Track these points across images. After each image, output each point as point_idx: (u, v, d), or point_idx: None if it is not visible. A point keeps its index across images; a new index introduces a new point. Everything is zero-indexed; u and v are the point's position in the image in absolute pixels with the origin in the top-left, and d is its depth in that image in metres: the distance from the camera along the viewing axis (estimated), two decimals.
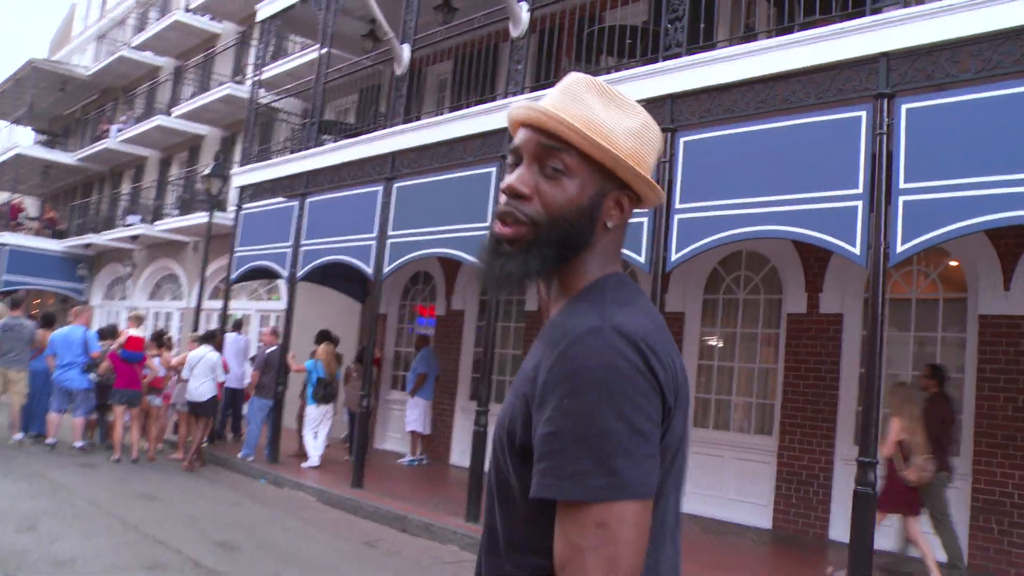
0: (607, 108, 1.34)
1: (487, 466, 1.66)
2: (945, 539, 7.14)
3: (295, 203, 12.04)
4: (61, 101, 31.24)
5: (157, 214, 23.33)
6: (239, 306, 19.46)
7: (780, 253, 9.94)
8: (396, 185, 10.39)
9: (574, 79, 1.37)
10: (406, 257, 10.06)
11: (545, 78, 10.63)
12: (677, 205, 7.37)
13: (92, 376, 11.45)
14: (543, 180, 1.32)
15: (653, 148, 1.38)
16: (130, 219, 23.79)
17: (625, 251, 7.08)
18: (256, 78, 13.79)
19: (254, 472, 11.12)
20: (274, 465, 11.41)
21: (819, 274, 9.68)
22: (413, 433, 12.75)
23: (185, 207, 21.91)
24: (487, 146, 9.37)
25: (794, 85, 6.87)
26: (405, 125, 10.40)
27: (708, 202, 7.19)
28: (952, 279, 9.01)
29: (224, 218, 18.04)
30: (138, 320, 11.74)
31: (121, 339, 11.88)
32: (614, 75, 8.23)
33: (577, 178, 1.31)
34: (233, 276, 13.33)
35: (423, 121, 10.19)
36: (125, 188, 26.82)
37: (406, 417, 12.76)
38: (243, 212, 13.43)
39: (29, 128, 33.02)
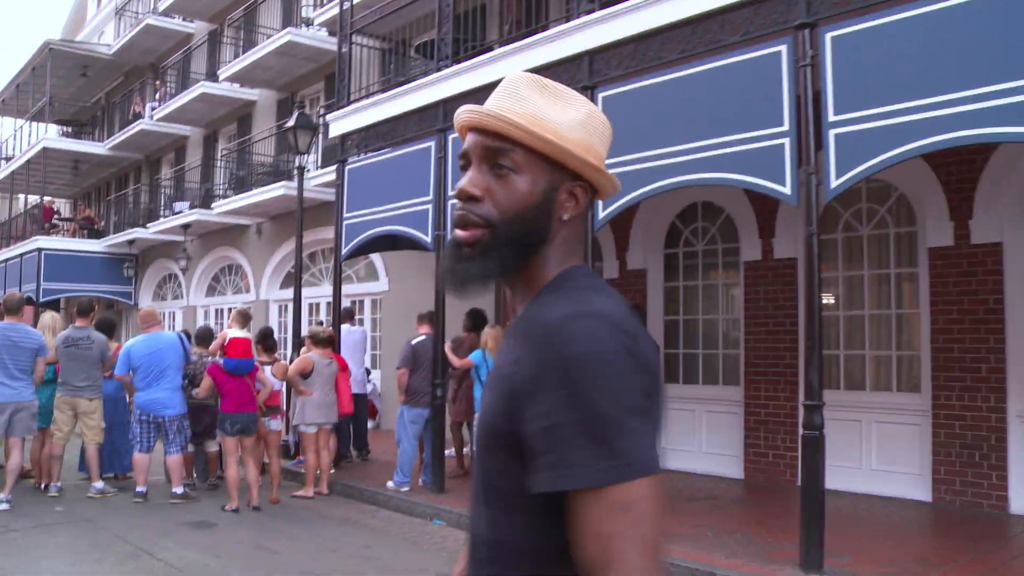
0: (549, 102, 1.35)
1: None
2: None
3: (431, 143, 8.99)
4: (84, 89, 28.30)
5: (206, 199, 20.35)
6: (318, 293, 16.51)
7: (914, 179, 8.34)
8: (601, 95, 7.33)
9: (514, 77, 1.38)
10: (631, 196, 7.02)
11: None
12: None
13: (194, 395, 8.56)
14: (493, 180, 1.32)
15: (602, 137, 1.39)
16: (178, 206, 20.85)
17: None
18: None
19: (420, 509, 8.17)
20: (441, 496, 8.46)
21: (967, 199, 7.96)
22: None
23: (240, 185, 18.91)
24: (763, 15, 6.34)
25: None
26: (609, 9, 7.31)
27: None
28: None
29: (294, 189, 15.08)
30: (244, 318, 8.73)
31: (218, 341, 8.96)
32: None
33: (527, 174, 1.32)
34: (345, 250, 10.29)
35: None
36: (166, 174, 23.89)
37: None
38: (348, 167, 10.37)
39: (51, 125, 30.02)
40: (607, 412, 1.14)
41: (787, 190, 6.11)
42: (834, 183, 5.86)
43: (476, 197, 1.31)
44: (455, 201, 1.35)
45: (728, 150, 6.44)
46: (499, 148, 1.31)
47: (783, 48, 6.19)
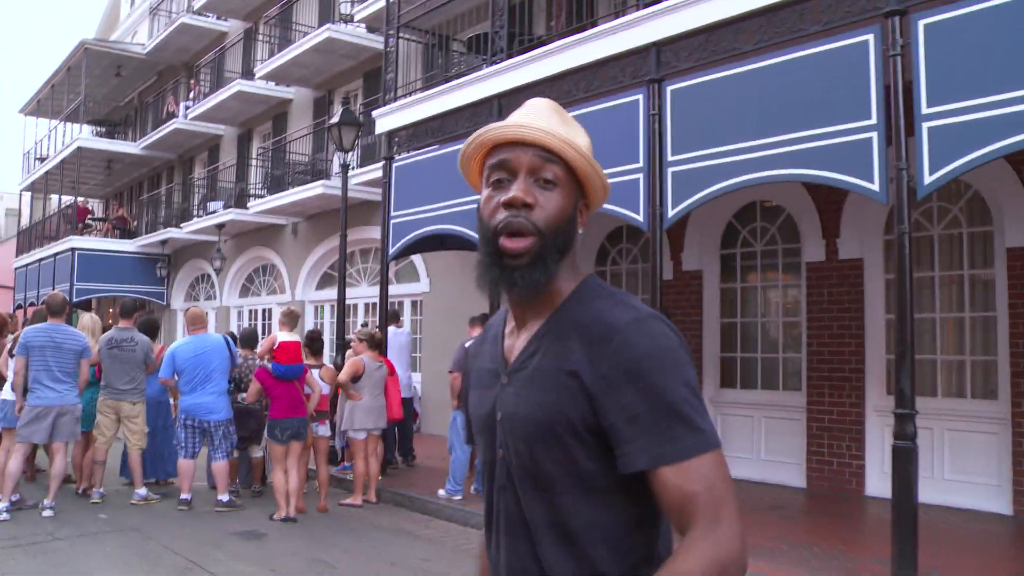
0: (569, 128, 1.49)
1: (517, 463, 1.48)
2: None
3: None
4: (117, 89, 28.30)
5: (241, 199, 20.17)
6: (356, 294, 16.26)
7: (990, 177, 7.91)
8: (670, 88, 7.00)
9: (540, 104, 1.53)
10: (704, 192, 6.69)
11: None
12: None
13: (240, 400, 8.32)
14: (538, 191, 1.44)
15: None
16: (212, 206, 20.69)
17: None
18: None
19: (475, 519, 7.86)
20: None
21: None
22: None
23: (276, 185, 18.71)
24: (847, 3, 6.00)
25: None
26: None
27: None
28: None
29: (333, 187, 14.88)
30: (293, 318, 8.45)
31: (265, 345, 8.72)
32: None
33: (565, 189, 1.46)
34: (392, 250, 10.01)
35: None
36: (199, 174, 23.78)
37: None
38: (396, 165, 10.10)
39: (84, 125, 30.00)
40: (682, 398, 1.34)
41: (875, 187, 5.77)
42: (928, 179, 5.52)
43: (531, 204, 1.42)
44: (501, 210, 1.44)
45: (809, 145, 6.11)
46: (548, 162, 1.44)
47: (870, 37, 5.84)
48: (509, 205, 1.42)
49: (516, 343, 1.53)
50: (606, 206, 7.32)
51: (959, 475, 8.07)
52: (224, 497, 8.24)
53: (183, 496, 8.23)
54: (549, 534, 1.42)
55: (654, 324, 1.38)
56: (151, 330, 9.26)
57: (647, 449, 1.32)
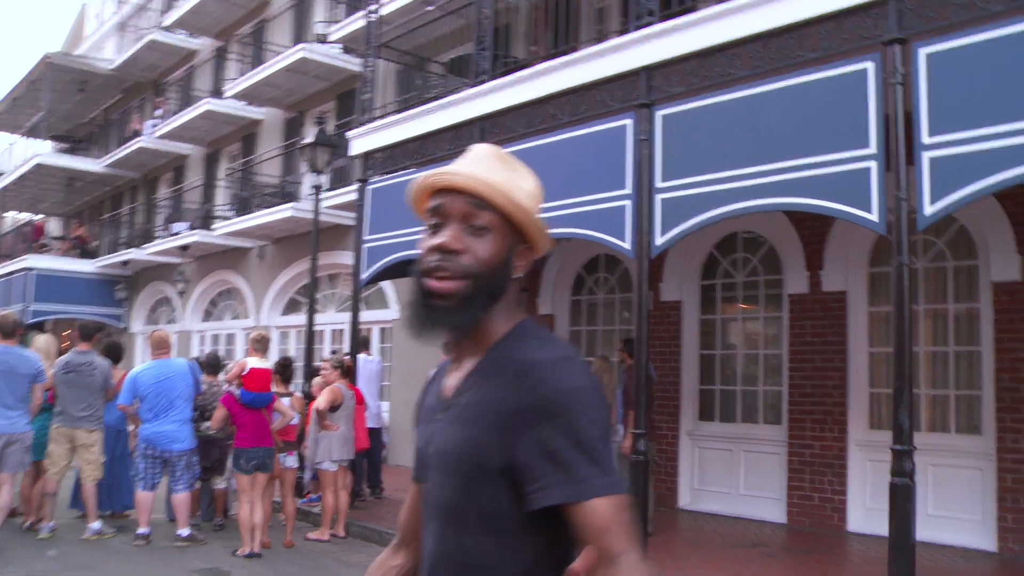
0: (511, 174, 1.52)
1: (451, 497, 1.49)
2: None
3: None
4: (81, 105, 27.71)
5: (206, 220, 19.72)
6: (322, 320, 15.87)
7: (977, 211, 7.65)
8: (660, 113, 6.81)
9: (482, 150, 1.56)
10: (695, 220, 6.49)
11: None
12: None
13: (203, 428, 7.93)
14: (469, 237, 1.46)
15: (540, 204, 1.57)
16: (176, 227, 20.19)
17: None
18: (376, 7, 10.15)
19: None
20: None
21: None
22: None
23: (243, 207, 18.32)
24: (846, 30, 5.86)
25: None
26: (670, 23, 6.80)
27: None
28: None
29: (302, 210, 14.58)
30: (263, 344, 8.09)
31: (234, 371, 8.36)
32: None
33: (497, 234, 1.48)
34: (364, 276, 9.70)
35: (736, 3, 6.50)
36: (164, 194, 23.27)
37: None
38: (370, 187, 9.81)
39: (46, 141, 29.32)
40: (595, 439, 1.36)
41: (873, 217, 5.60)
42: (928, 210, 5.36)
43: (458, 250, 1.44)
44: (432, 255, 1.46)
45: (806, 173, 5.94)
46: (480, 208, 1.45)
47: (870, 65, 5.70)
48: (437, 250, 1.45)
49: (451, 381, 1.56)
50: (592, 233, 7.13)
51: (943, 511, 7.92)
52: (184, 531, 7.81)
53: (140, 530, 7.78)
54: (457, 570, 1.45)
55: (574, 364, 1.41)
56: (114, 354, 8.84)
57: (562, 484, 1.33)
